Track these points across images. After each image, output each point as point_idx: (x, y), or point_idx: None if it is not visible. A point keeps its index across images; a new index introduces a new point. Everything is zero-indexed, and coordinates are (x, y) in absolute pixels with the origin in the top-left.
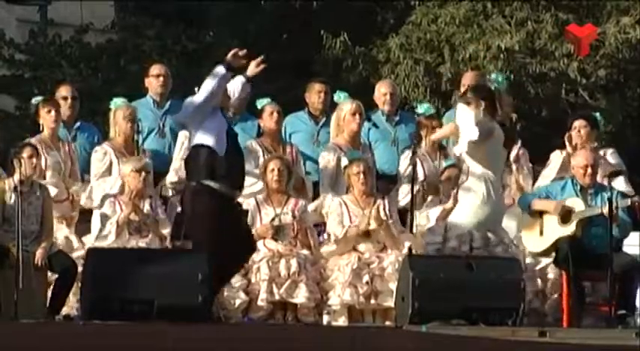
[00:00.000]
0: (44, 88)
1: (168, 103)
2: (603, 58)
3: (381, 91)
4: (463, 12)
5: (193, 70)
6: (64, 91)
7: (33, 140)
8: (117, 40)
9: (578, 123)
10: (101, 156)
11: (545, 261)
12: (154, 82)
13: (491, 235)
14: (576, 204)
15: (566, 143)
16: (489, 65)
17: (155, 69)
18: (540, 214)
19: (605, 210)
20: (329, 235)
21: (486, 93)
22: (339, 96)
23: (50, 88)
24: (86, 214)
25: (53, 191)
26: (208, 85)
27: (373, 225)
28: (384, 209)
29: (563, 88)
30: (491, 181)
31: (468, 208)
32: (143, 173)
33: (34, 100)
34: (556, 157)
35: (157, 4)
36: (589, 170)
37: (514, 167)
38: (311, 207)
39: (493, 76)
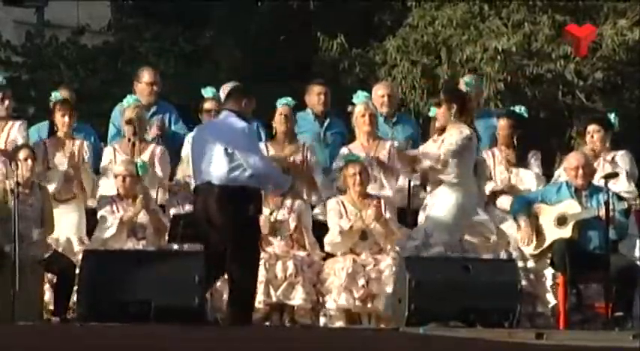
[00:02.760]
0: (42, 90)
1: (155, 106)
2: (600, 60)
3: (379, 93)
4: (460, 14)
5: (192, 70)
6: (62, 94)
7: (47, 141)
8: (114, 41)
9: (592, 127)
10: (109, 154)
11: (541, 263)
12: (145, 90)
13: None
14: (571, 206)
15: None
16: (486, 67)
17: (147, 76)
18: (536, 216)
19: (602, 212)
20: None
21: (458, 95)
22: (358, 96)
23: (48, 89)
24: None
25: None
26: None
27: (372, 222)
28: (381, 208)
29: (559, 90)
30: (465, 187)
31: (444, 214)
32: (124, 178)
33: (52, 97)
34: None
35: (155, 5)
36: (580, 172)
37: (520, 170)
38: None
39: (466, 79)
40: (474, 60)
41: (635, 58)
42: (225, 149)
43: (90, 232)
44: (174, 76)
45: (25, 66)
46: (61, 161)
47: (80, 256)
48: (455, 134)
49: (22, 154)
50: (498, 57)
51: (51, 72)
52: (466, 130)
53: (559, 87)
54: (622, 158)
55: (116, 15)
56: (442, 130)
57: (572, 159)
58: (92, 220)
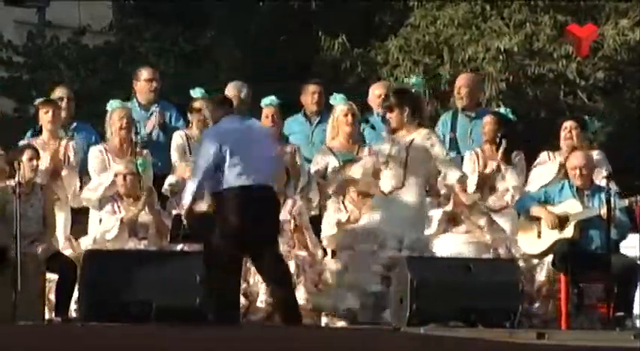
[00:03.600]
0: (42, 90)
1: (155, 106)
2: (602, 60)
3: (375, 93)
4: (462, 14)
5: (192, 70)
6: (59, 92)
7: (32, 141)
8: (115, 41)
9: (569, 124)
10: (97, 153)
11: (539, 262)
12: (145, 87)
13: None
14: (573, 206)
15: (562, 146)
16: (488, 67)
17: (146, 73)
18: (537, 217)
19: (603, 211)
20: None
21: (409, 98)
22: (335, 98)
23: (49, 90)
24: (80, 216)
25: None
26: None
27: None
28: None
29: (561, 90)
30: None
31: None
32: (125, 176)
33: (37, 102)
34: (545, 159)
35: (155, 5)
36: (580, 171)
37: (502, 168)
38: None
39: (413, 80)
40: (476, 60)
41: (636, 58)
42: (269, 151)
43: (75, 231)
44: (174, 76)
45: (26, 66)
46: (45, 161)
47: (68, 254)
48: (434, 138)
49: (26, 155)
50: (500, 57)
51: (52, 72)
52: (432, 133)
53: (561, 87)
54: (598, 158)
55: (117, 15)
56: (394, 130)
57: (574, 159)
58: (76, 220)
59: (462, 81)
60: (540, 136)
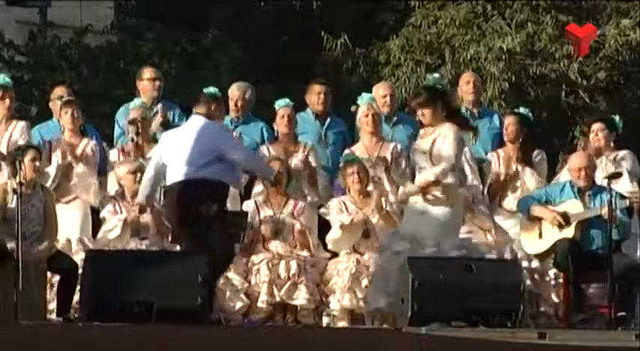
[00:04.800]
0: (44, 90)
1: (159, 105)
2: (603, 60)
3: (380, 93)
4: (463, 14)
5: (194, 71)
6: (59, 91)
7: (54, 141)
8: (116, 41)
9: (597, 126)
10: (114, 154)
11: (545, 263)
12: (148, 86)
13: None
14: (574, 206)
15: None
16: (490, 66)
17: (148, 72)
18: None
19: (604, 211)
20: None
21: (440, 94)
22: (362, 98)
23: (50, 90)
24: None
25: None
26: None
27: (374, 215)
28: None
29: (563, 90)
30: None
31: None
32: (138, 174)
33: (58, 102)
34: None
35: (157, 5)
36: (582, 173)
37: (520, 168)
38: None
39: (431, 78)
40: (478, 60)
41: (637, 58)
42: (203, 148)
43: (94, 231)
44: (176, 77)
45: (28, 66)
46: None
47: (79, 257)
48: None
49: (28, 155)
50: (502, 57)
51: (53, 72)
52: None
53: (562, 87)
54: (624, 158)
55: (119, 15)
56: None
57: (576, 159)
58: (97, 220)
59: (471, 77)
60: (542, 137)
